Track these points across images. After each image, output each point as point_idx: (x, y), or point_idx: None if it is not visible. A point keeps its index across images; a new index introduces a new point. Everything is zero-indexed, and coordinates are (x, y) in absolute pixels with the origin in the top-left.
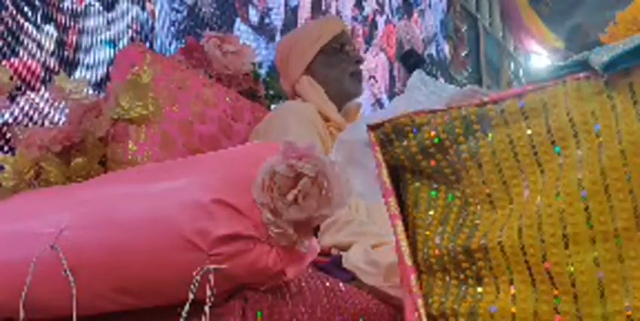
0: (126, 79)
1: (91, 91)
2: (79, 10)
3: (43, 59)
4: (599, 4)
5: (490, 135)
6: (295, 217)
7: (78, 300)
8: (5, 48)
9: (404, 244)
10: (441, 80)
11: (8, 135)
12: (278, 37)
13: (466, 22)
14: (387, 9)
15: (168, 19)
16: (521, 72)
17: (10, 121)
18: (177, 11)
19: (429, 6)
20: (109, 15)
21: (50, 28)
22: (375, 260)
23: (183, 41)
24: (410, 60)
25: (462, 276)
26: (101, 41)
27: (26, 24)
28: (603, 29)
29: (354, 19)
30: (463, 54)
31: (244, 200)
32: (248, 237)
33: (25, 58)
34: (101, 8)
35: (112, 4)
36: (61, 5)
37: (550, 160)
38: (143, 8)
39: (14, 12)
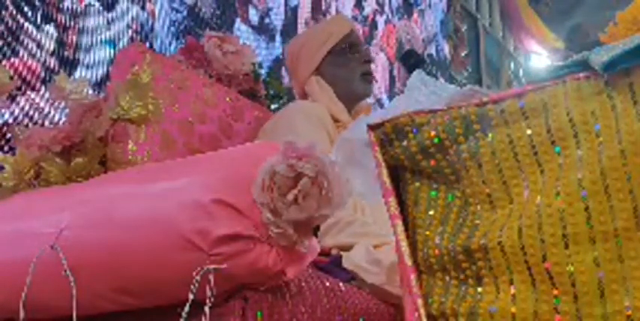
0: (126, 79)
1: (91, 91)
2: (79, 9)
3: (43, 59)
4: (599, 4)
5: (490, 135)
6: (295, 217)
7: (78, 300)
8: (5, 48)
9: (404, 244)
10: (441, 80)
11: (8, 135)
12: (278, 37)
13: (466, 22)
14: (387, 9)
15: (168, 19)
16: (521, 72)
17: (11, 120)
18: (177, 11)
19: (429, 6)
20: (109, 15)
21: (50, 28)
22: (377, 259)
23: (183, 41)
24: (410, 60)
25: (461, 276)
26: (101, 41)
27: (26, 24)
28: (603, 29)
29: (354, 19)
30: (463, 54)
31: (244, 200)
32: (248, 237)
33: (25, 58)
34: (101, 8)
35: (112, 4)
36: (61, 5)
37: (550, 160)
38: (143, 8)
39: (14, 12)
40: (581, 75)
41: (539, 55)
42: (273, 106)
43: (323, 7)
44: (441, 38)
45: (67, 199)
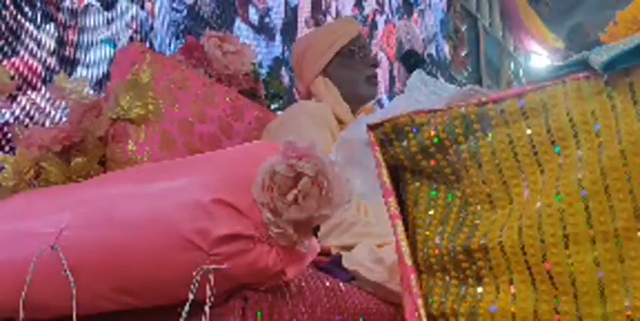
0: (126, 79)
1: (91, 91)
2: (78, 9)
3: (43, 58)
4: (599, 3)
5: (490, 135)
6: (295, 217)
7: (78, 300)
8: (6, 47)
9: (404, 244)
10: (441, 80)
11: (8, 135)
12: (278, 37)
13: (466, 22)
14: (387, 9)
15: (168, 19)
16: (521, 72)
17: (11, 120)
18: (177, 11)
19: (429, 6)
20: (109, 14)
21: (50, 28)
22: (380, 258)
23: (183, 41)
24: (410, 60)
25: (461, 276)
26: (101, 40)
27: (26, 23)
28: (603, 29)
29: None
30: (463, 54)
31: (244, 200)
32: (248, 237)
33: (26, 58)
34: (101, 7)
35: (111, 4)
36: (60, 4)
37: (550, 160)
38: (143, 7)
39: (14, 11)
40: (581, 75)
41: (539, 55)
42: (273, 106)
43: (323, 7)
44: (441, 38)
45: (67, 199)
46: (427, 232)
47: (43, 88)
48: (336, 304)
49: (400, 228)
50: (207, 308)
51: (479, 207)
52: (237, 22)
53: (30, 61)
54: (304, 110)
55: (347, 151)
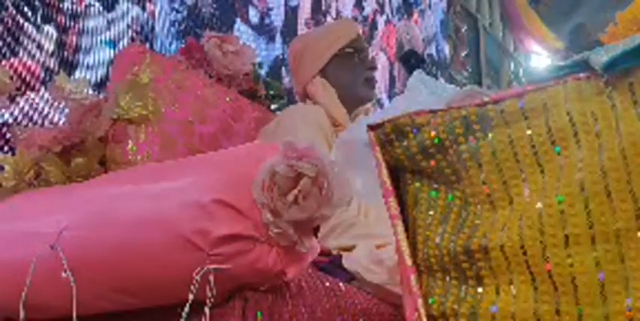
0: (125, 80)
1: (91, 91)
2: (79, 10)
3: (43, 59)
4: (599, 4)
5: (490, 135)
6: (295, 218)
7: (78, 300)
8: (5, 48)
9: (404, 244)
10: (441, 80)
11: (8, 135)
12: (278, 37)
13: (466, 22)
14: (387, 9)
15: (168, 20)
16: (521, 72)
17: (11, 121)
18: (178, 11)
19: (429, 6)
20: (109, 15)
21: (50, 29)
22: (380, 259)
23: (183, 41)
24: (410, 60)
25: (462, 276)
26: (101, 41)
27: (26, 24)
28: (604, 29)
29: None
30: (463, 54)
31: (244, 200)
32: (248, 237)
33: (25, 59)
34: (101, 8)
35: (112, 5)
36: (61, 5)
37: (550, 161)
38: (143, 8)
39: (14, 12)
40: (581, 75)
41: (539, 55)
42: (273, 106)
43: (323, 8)
44: (441, 38)
45: (67, 199)
46: (427, 233)
47: (43, 90)
48: (336, 304)
49: (400, 228)
50: (207, 308)
51: (479, 207)
52: (237, 22)
53: (29, 63)
54: (299, 113)
55: (347, 152)
